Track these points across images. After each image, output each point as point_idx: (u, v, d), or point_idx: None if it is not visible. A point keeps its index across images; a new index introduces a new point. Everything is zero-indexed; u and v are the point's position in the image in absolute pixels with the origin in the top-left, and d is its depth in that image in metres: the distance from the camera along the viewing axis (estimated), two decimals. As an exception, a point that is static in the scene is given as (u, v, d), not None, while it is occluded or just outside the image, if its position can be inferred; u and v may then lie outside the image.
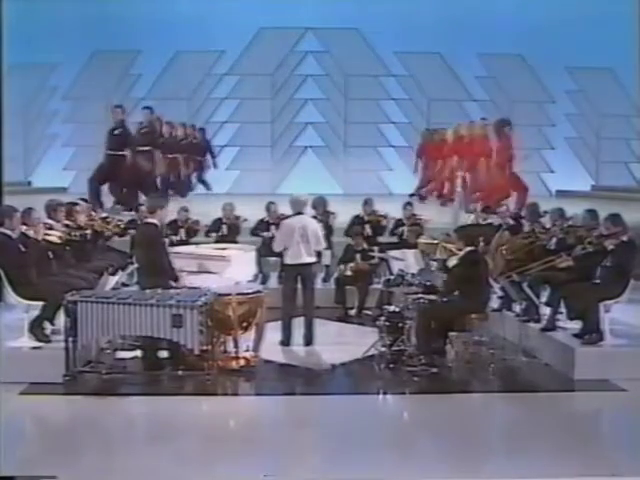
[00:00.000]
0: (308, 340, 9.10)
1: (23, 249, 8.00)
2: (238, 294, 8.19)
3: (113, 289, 9.00)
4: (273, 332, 8.85)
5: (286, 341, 9.07)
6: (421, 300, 8.38)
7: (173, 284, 8.17)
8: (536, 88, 17.54)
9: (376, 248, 10.95)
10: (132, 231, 10.22)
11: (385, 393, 7.90)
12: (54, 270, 8.42)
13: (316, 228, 9.25)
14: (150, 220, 8.30)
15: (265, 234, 11.14)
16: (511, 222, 10.22)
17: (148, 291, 7.88)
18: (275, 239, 9.49)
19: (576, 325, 8.38)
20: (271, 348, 8.68)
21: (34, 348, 7.92)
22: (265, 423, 7.05)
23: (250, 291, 8.35)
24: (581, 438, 6.63)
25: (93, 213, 10.26)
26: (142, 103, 17.61)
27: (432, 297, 8.41)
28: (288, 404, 7.64)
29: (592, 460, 6.12)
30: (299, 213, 9.23)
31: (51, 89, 17.60)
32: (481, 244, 8.83)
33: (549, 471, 5.88)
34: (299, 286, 9.19)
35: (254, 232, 11.39)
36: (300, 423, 7.15)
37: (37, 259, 8.13)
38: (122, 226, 10.48)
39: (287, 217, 9.49)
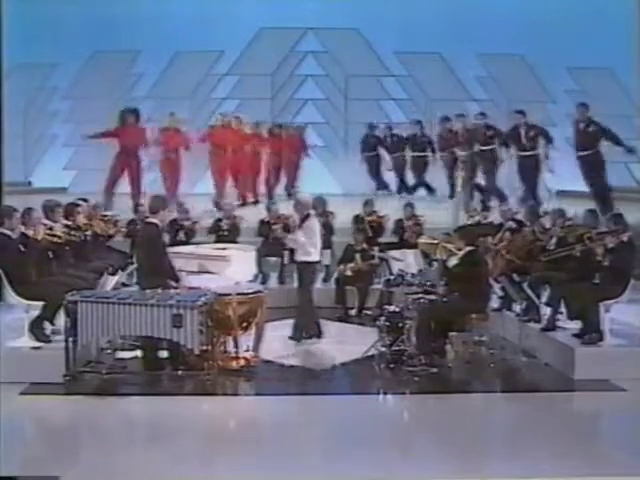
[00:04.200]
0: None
1: (23, 249, 8.00)
2: (238, 294, 8.19)
3: (113, 289, 9.00)
4: (273, 331, 8.86)
5: (319, 334, 9.24)
6: (421, 300, 8.38)
7: (174, 284, 8.17)
8: (536, 88, 17.48)
9: (376, 248, 10.95)
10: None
11: (385, 393, 7.89)
12: (54, 270, 8.42)
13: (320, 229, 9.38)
14: (151, 220, 8.29)
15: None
16: (512, 223, 10.21)
17: (148, 291, 7.87)
18: (299, 237, 9.28)
19: (576, 325, 8.38)
20: (271, 348, 8.68)
21: (34, 348, 7.92)
22: (265, 423, 7.05)
23: (250, 291, 8.35)
24: (581, 438, 6.62)
25: (92, 213, 10.25)
26: (143, 103, 17.65)
27: (432, 297, 8.41)
28: (288, 404, 7.62)
29: (592, 460, 6.11)
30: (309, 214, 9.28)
31: (51, 89, 17.56)
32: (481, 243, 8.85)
33: (549, 471, 5.87)
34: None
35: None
36: (300, 423, 7.13)
37: (37, 259, 8.13)
38: (123, 228, 10.51)
39: (307, 217, 9.36)
